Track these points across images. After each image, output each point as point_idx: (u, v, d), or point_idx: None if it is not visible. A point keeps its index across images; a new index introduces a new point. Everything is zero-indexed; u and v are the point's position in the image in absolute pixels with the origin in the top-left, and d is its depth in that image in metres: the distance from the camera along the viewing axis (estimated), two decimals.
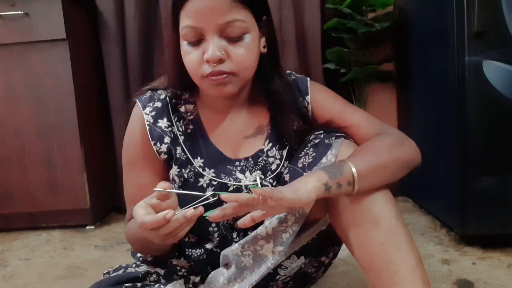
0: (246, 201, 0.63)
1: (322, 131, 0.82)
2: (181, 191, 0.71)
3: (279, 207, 0.67)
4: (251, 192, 0.63)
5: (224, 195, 0.63)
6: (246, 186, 0.82)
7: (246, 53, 0.75)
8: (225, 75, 0.74)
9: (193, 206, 0.64)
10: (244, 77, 0.78)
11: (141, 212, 0.64)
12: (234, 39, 0.74)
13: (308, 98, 0.89)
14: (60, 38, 1.62)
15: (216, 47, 0.73)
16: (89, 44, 1.83)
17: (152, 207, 0.65)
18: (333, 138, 0.79)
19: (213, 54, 0.72)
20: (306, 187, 0.67)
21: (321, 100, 0.89)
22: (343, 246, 0.82)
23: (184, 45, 0.77)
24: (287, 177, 0.80)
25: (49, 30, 1.62)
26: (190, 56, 0.76)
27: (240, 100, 0.86)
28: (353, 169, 0.69)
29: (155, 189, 0.65)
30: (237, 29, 0.74)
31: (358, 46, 1.78)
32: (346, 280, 1.17)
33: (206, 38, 0.74)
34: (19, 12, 1.61)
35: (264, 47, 0.82)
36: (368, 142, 0.79)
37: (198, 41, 0.75)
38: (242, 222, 0.67)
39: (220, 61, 0.74)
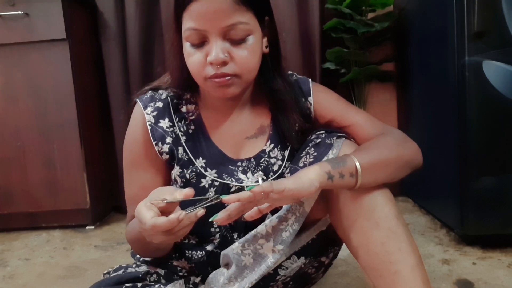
0: (248, 199, 0.63)
1: (323, 131, 0.82)
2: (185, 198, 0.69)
3: (283, 198, 0.66)
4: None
5: (225, 198, 0.64)
6: (248, 187, 0.82)
7: (249, 55, 0.75)
8: (228, 77, 0.74)
9: (200, 207, 0.64)
10: (247, 78, 0.78)
11: (150, 214, 0.62)
12: (237, 41, 0.74)
13: (310, 99, 0.89)
14: (60, 38, 1.62)
15: (220, 49, 0.73)
16: (89, 44, 1.83)
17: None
18: (334, 138, 0.79)
19: (216, 57, 0.73)
20: (308, 176, 0.67)
21: (324, 100, 0.89)
22: (343, 246, 0.82)
23: (187, 47, 0.77)
24: (288, 176, 0.79)
25: (49, 30, 1.62)
26: (193, 57, 0.76)
27: (242, 100, 0.86)
28: (356, 163, 0.70)
29: (167, 200, 0.64)
30: (241, 32, 0.74)
31: (358, 46, 1.78)
32: (346, 280, 1.17)
33: (210, 40, 0.74)
34: (19, 12, 1.60)
35: (266, 47, 0.82)
36: (371, 141, 0.80)
37: (201, 43, 0.75)
38: (249, 215, 0.68)
39: (224, 63, 0.74)
